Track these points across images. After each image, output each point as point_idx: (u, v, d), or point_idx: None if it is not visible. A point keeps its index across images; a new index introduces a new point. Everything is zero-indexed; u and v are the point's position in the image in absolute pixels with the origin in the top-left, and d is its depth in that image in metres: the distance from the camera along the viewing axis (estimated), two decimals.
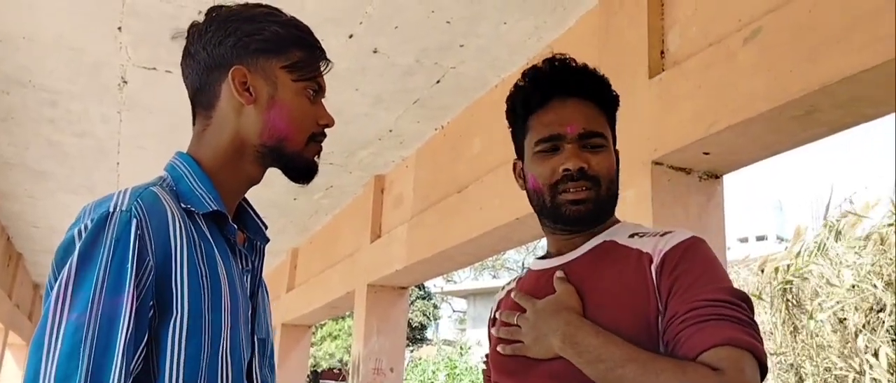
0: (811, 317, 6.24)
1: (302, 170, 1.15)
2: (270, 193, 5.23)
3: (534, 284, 1.25)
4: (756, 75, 1.85)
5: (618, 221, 1.28)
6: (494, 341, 1.27)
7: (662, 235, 1.16)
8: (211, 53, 1.10)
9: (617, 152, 1.28)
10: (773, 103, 1.79)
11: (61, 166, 4.82)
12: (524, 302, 1.21)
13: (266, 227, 1.22)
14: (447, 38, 2.93)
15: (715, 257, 1.14)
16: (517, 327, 1.20)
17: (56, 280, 0.90)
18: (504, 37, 2.90)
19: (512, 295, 1.28)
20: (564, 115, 1.24)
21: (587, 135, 1.22)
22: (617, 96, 1.31)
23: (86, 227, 0.92)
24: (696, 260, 1.11)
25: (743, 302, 1.06)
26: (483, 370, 1.38)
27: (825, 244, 6.62)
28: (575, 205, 1.21)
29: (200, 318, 0.96)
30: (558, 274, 1.20)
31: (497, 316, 1.30)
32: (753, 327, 1.04)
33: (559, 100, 1.25)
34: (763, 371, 1.01)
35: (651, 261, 1.12)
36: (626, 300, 1.11)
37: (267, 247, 1.23)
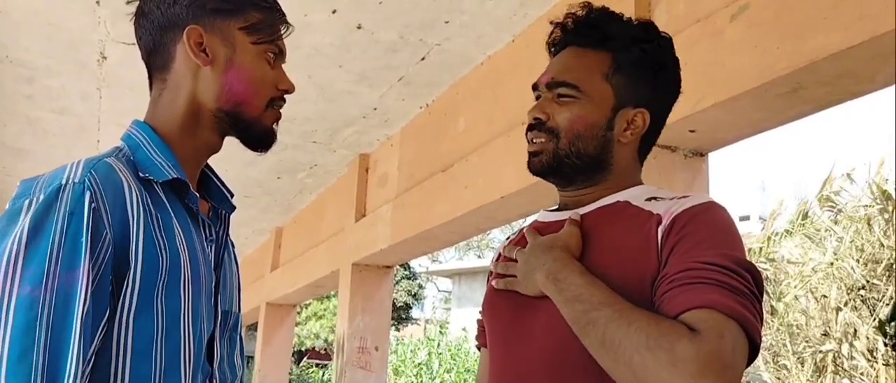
0: (780, 299, 6.29)
1: (259, 138, 1.11)
2: (254, 172, 5.20)
3: (541, 232, 1.20)
4: (742, 52, 1.84)
5: (640, 184, 1.21)
6: (491, 283, 1.23)
7: (680, 198, 1.09)
8: (165, 12, 1.06)
9: (642, 112, 1.17)
10: (759, 80, 1.78)
11: (40, 143, 4.75)
12: (529, 236, 1.17)
13: (231, 195, 1.18)
14: (431, 14, 2.89)
15: (730, 224, 1.05)
16: (515, 262, 1.16)
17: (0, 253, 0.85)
18: (490, 13, 2.87)
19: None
20: (548, 66, 1.22)
21: (555, 84, 1.17)
22: (635, 43, 1.17)
23: (37, 200, 0.88)
24: (705, 223, 1.03)
25: (746, 273, 0.97)
26: (478, 320, 1.35)
27: (801, 224, 6.68)
28: (532, 156, 1.19)
29: (152, 292, 0.93)
30: (573, 215, 1.15)
31: (493, 267, 1.26)
32: (750, 299, 0.95)
33: (563, 51, 1.22)
34: (755, 349, 0.94)
35: (660, 222, 1.05)
36: (626, 256, 1.05)
37: (234, 216, 1.19)
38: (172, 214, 1.01)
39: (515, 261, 1.17)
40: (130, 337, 0.91)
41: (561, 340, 1.04)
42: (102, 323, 0.88)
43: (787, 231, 6.90)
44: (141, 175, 1.00)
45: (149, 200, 0.97)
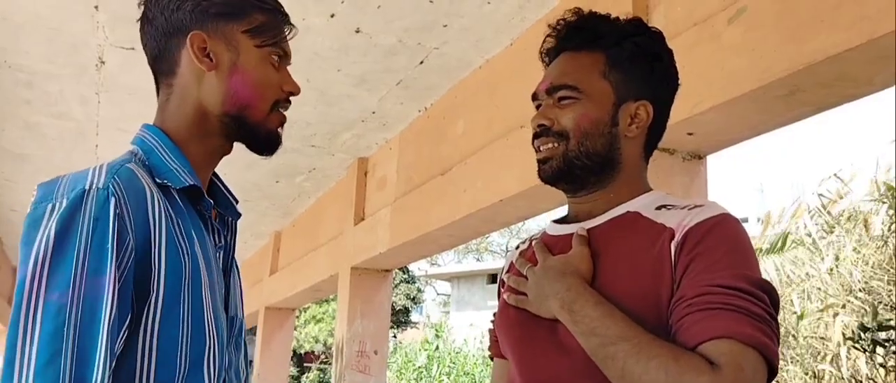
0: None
1: (264, 141, 1.11)
2: (252, 176, 5.19)
3: (550, 247, 1.19)
4: (740, 55, 1.85)
5: (649, 190, 1.20)
6: (503, 297, 1.23)
7: (692, 209, 1.07)
8: (169, 18, 1.06)
9: (644, 104, 1.17)
10: (757, 83, 1.78)
11: (40, 148, 4.74)
12: (539, 253, 1.17)
13: (237, 202, 1.19)
14: (430, 17, 2.90)
15: (744, 239, 1.04)
16: (525, 279, 1.16)
17: (26, 257, 0.86)
18: (488, 16, 2.87)
19: (533, 245, 1.22)
20: (545, 74, 1.22)
21: (554, 89, 1.18)
22: (626, 38, 1.17)
23: (60, 205, 0.88)
24: (719, 239, 1.02)
25: (763, 294, 0.97)
26: (490, 329, 1.34)
27: (790, 236, 6.65)
28: (542, 164, 1.18)
29: (178, 298, 0.93)
30: (580, 231, 1.14)
31: (505, 277, 1.26)
32: (768, 323, 0.95)
33: (557, 58, 1.22)
34: (772, 372, 0.94)
35: (673, 237, 1.04)
36: (639, 276, 1.04)
37: (238, 222, 1.19)
38: (189, 220, 1.01)
39: (526, 277, 1.16)
40: (156, 342, 0.92)
41: (585, 356, 1.04)
42: (124, 328, 0.88)
43: (782, 240, 6.87)
44: (158, 181, 1.00)
45: (169, 206, 0.98)
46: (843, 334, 5.80)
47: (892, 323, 5.46)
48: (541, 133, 1.18)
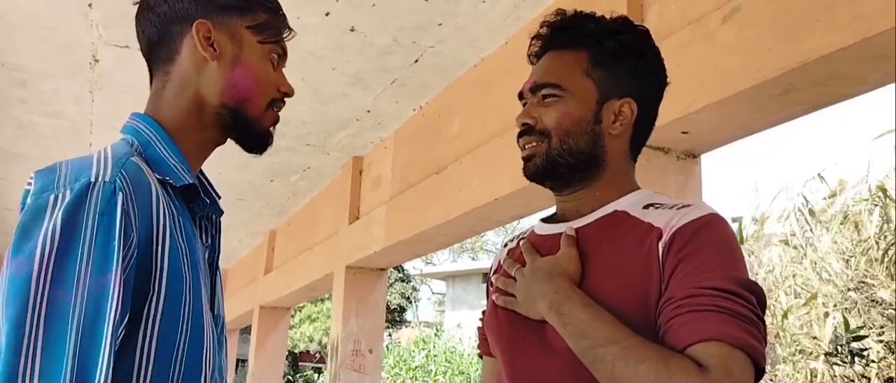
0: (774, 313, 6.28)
1: (256, 138, 1.10)
2: (247, 175, 5.19)
3: (538, 247, 1.19)
4: (734, 54, 1.85)
5: (636, 188, 1.20)
6: (491, 296, 1.23)
7: (679, 208, 1.07)
8: (173, 6, 1.06)
9: (629, 102, 1.17)
10: (751, 82, 1.79)
11: (35, 147, 4.73)
12: (527, 254, 1.17)
13: (219, 197, 1.17)
14: (425, 16, 2.90)
15: (732, 239, 1.05)
16: (513, 279, 1.16)
17: (25, 249, 0.82)
18: (483, 15, 2.87)
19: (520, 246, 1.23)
20: (531, 73, 1.23)
21: (537, 88, 1.19)
22: (610, 36, 1.18)
23: (64, 196, 0.85)
24: (707, 241, 1.02)
25: (750, 295, 0.98)
26: (478, 328, 1.34)
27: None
28: (526, 161, 1.19)
29: (180, 299, 0.92)
30: (568, 231, 1.14)
31: (493, 278, 1.26)
32: (756, 325, 0.96)
33: (543, 57, 1.24)
34: (759, 373, 0.95)
35: (660, 237, 1.04)
36: (627, 277, 1.04)
37: (223, 219, 1.17)
38: (185, 219, 1.00)
39: (514, 278, 1.16)
40: (155, 344, 0.90)
41: (574, 357, 1.04)
42: (122, 326, 0.86)
43: (758, 236, 6.88)
44: (158, 176, 0.98)
45: (171, 204, 0.96)
46: (835, 334, 5.80)
47: (866, 330, 5.45)
48: (525, 131, 1.19)
